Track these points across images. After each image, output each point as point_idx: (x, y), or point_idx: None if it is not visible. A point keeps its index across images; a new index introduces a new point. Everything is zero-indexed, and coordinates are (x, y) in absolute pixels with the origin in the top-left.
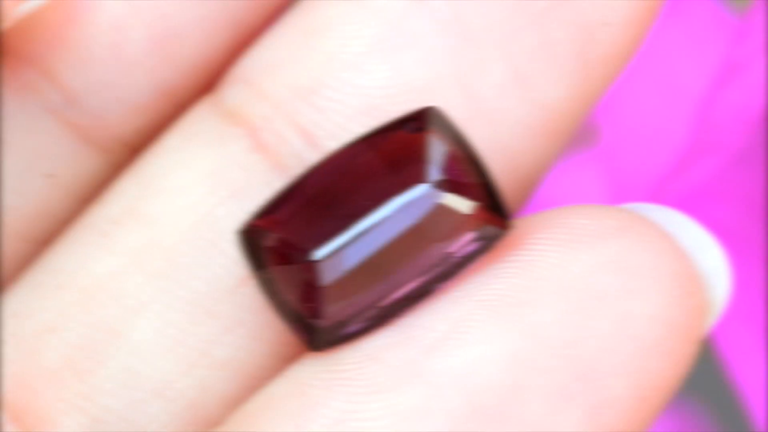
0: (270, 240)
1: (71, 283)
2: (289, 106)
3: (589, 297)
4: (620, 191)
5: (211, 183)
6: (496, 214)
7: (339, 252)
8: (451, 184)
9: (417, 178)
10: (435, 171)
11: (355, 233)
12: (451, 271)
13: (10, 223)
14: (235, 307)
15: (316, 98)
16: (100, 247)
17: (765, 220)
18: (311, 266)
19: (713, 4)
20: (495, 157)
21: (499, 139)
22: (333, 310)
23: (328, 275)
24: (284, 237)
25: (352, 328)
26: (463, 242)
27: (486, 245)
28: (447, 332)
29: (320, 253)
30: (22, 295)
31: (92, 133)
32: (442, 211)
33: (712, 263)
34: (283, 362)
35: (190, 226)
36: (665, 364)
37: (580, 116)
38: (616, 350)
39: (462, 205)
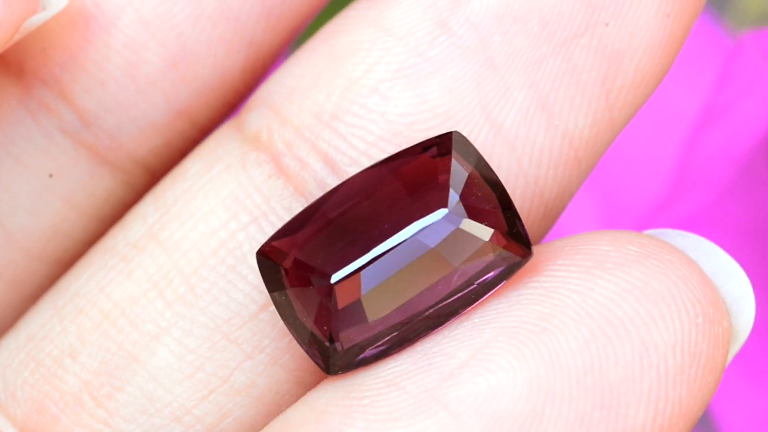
0: (287, 261)
1: (91, 308)
2: (311, 131)
3: (611, 324)
4: (613, 220)
5: (232, 208)
6: (516, 240)
7: (355, 275)
8: (471, 210)
9: (437, 203)
10: (455, 196)
11: (372, 257)
12: (470, 297)
13: (26, 243)
14: (254, 333)
15: (338, 124)
16: (120, 272)
17: (761, 249)
18: (327, 289)
19: (704, 36)
20: (518, 184)
21: (522, 167)
22: (349, 334)
23: (344, 299)
24: (301, 259)
25: (369, 353)
26: (483, 268)
27: (506, 272)
28: (467, 359)
29: (337, 276)
30: (41, 318)
31: (107, 153)
32: (462, 236)
33: (737, 290)
34: (303, 388)
35: (211, 252)
36: (688, 394)
37: (604, 144)
38: (639, 378)
39: (481, 231)
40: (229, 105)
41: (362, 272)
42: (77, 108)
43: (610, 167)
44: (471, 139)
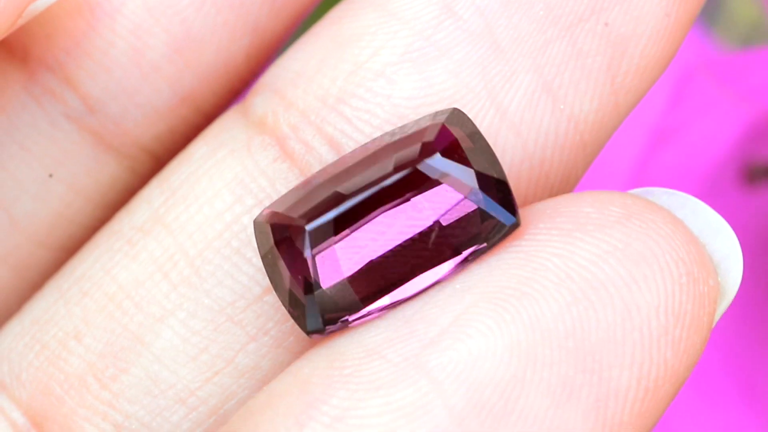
0: (271, 217)
1: (96, 291)
2: (317, 115)
3: (592, 287)
4: None
5: (237, 192)
6: (504, 207)
7: (329, 223)
8: (454, 168)
9: (419, 156)
10: (438, 152)
11: (348, 206)
12: (451, 250)
13: (30, 229)
14: (259, 315)
15: (344, 108)
16: (125, 255)
17: None
18: (301, 236)
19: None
20: (523, 168)
21: (528, 151)
22: (324, 286)
23: (318, 245)
24: (284, 213)
25: (344, 304)
26: (471, 238)
27: (493, 239)
28: (448, 326)
29: (312, 224)
30: (46, 302)
31: (112, 139)
32: (440, 190)
33: (725, 248)
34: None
35: (215, 235)
36: (673, 355)
37: (609, 129)
38: (621, 341)
39: (464, 189)
40: (234, 91)
41: (336, 219)
42: (82, 94)
43: None
44: (476, 122)
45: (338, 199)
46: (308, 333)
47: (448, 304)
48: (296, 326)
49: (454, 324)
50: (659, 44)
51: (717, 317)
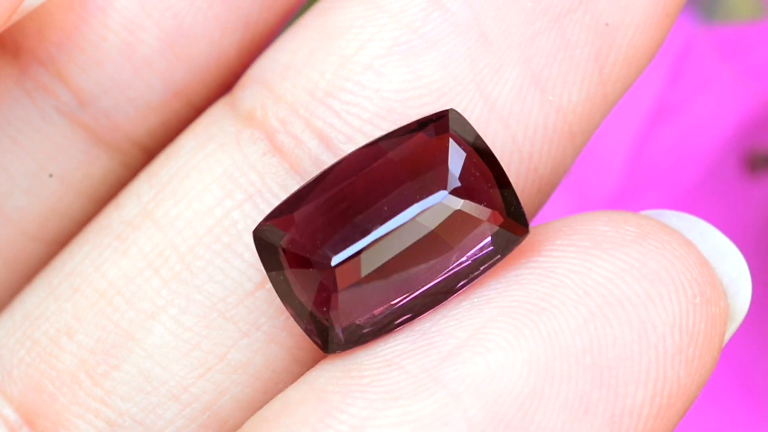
0: (285, 241)
1: (86, 287)
2: (306, 108)
3: (609, 304)
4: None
5: (227, 186)
6: (513, 220)
7: (356, 258)
8: (469, 191)
9: (437, 184)
10: (455, 177)
11: (372, 239)
12: (468, 276)
13: (22, 224)
14: (251, 311)
15: (333, 101)
16: (115, 250)
17: None
18: (328, 271)
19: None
20: (512, 160)
21: (517, 143)
22: (348, 315)
23: (345, 281)
24: (300, 240)
25: (367, 330)
26: (481, 248)
27: (504, 250)
28: (466, 339)
29: (337, 258)
30: (37, 298)
31: (104, 133)
32: (461, 217)
33: (734, 271)
34: (299, 366)
35: (206, 230)
36: (686, 373)
37: (597, 119)
38: (638, 358)
39: (480, 211)
40: (226, 85)
41: (362, 255)
42: (74, 88)
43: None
44: (466, 115)
45: (358, 225)
46: (327, 352)
47: (466, 318)
48: (289, 321)
49: (472, 337)
50: (647, 33)
51: (726, 339)
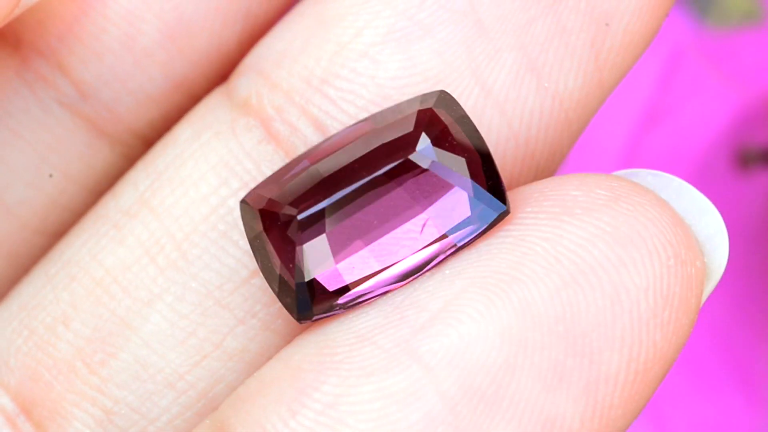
0: (262, 204)
1: (83, 275)
2: (301, 96)
3: (581, 271)
4: None
5: (223, 174)
6: (494, 195)
7: (320, 212)
8: (442, 156)
9: (408, 145)
10: (426, 140)
11: (340, 196)
12: (444, 250)
13: (24, 216)
14: (247, 298)
15: (328, 88)
16: (112, 239)
17: None
18: (292, 225)
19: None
20: (509, 146)
21: (513, 129)
22: (315, 273)
23: (308, 235)
24: (273, 199)
25: (340, 300)
26: (458, 223)
27: (482, 227)
28: (438, 311)
29: (303, 213)
30: (34, 287)
31: (105, 125)
32: (431, 180)
33: (710, 228)
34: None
35: (202, 218)
36: (662, 337)
37: (594, 106)
38: (611, 324)
39: (451, 176)
40: (226, 77)
41: (327, 208)
42: (74, 80)
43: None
44: (461, 101)
45: (328, 186)
46: (298, 319)
47: (438, 290)
48: (284, 309)
49: (444, 309)
50: (642, 20)
51: (704, 298)
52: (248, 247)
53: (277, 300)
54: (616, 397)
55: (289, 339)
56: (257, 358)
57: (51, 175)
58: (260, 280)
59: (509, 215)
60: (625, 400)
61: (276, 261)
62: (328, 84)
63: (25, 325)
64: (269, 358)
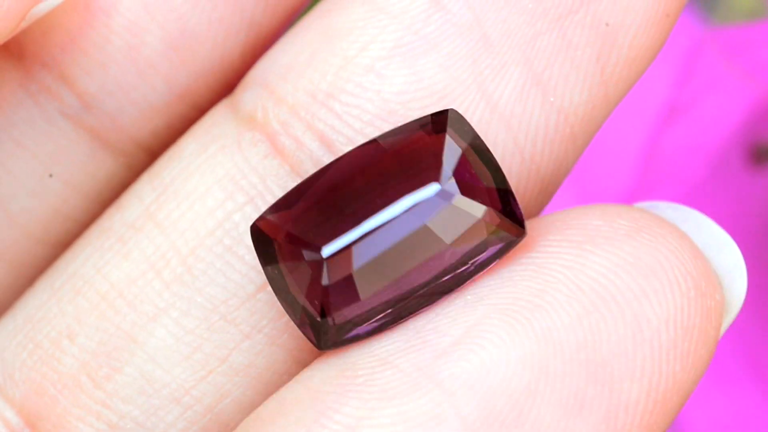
0: (280, 235)
1: (88, 289)
2: (307, 110)
3: (602, 299)
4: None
5: (228, 188)
6: (510, 219)
7: (347, 250)
8: (464, 187)
9: (429, 178)
10: (448, 172)
11: (363, 232)
12: (463, 276)
13: (26, 226)
14: (252, 313)
15: (334, 103)
16: (117, 253)
17: None
18: (319, 263)
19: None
20: (514, 161)
21: (518, 144)
22: (340, 309)
23: (336, 273)
24: (293, 232)
25: (361, 329)
26: (475, 247)
27: (500, 251)
28: (460, 337)
29: (328, 250)
30: (38, 300)
31: (108, 136)
32: (454, 213)
33: (729, 262)
34: (301, 368)
35: (207, 232)
36: (681, 368)
37: (599, 120)
38: (632, 354)
39: (474, 208)
40: (230, 87)
41: (354, 247)
42: (78, 91)
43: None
44: (467, 116)
45: (349, 219)
46: (320, 348)
47: (460, 315)
48: (291, 323)
49: (466, 335)
50: (648, 34)
51: (722, 331)
52: (254, 261)
53: (283, 314)
54: (635, 427)
55: (295, 354)
56: (264, 373)
57: (51, 175)
58: (266, 295)
59: (530, 240)
60: (644, 430)
61: (298, 293)
62: (334, 98)
63: (30, 339)
64: (276, 372)
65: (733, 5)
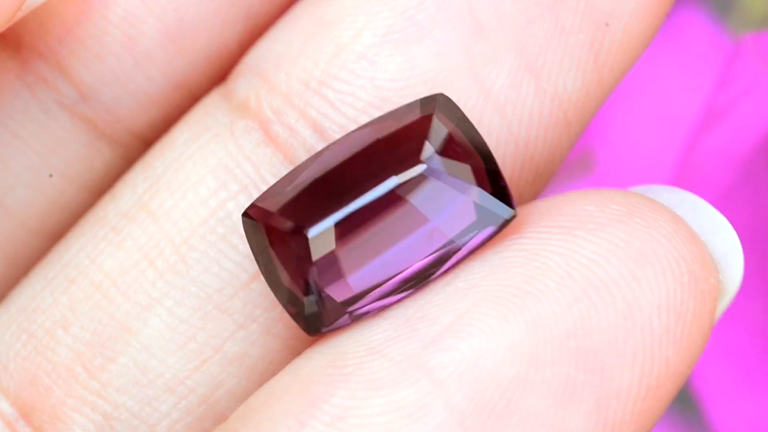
0: (269, 222)
1: (82, 279)
2: (300, 98)
3: (593, 286)
4: None
5: (222, 177)
6: (499, 199)
7: (331, 229)
8: (450, 166)
9: (414, 157)
10: (432, 150)
11: (349, 211)
12: (451, 257)
13: (24, 218)
14: (246, 302)
15: (327, 90)
16: (110, 242)
17: (759, 252)
18: (303, 242)
19: (706, 38)
20: (508, 149)
21: (512, 131)
22: (325, 287)
23: (320, 251)
24: (281, 218)
25: (349, 310)
26: (465, 228)
27: (490, 231)
28: (449, 325)
29: (312, 230)
30: (32, 290)
31: (105, 127)
32: (439, 191)
33: (725, 245)
34: (295, 358)
35: (201, 221)
36: (675, 353)
37: (593, 107)
38: (623, 340)
39: (461, 186)
40: (227, 77)
41: (339, 226)
42: (75, 82)
43: (612, 166)
44: (460, 103)
45: (334, 200)
46: (308, 332)
47: (450, 303)
48: (285, 313)
49: (455, 323)
50: (642, 20)
51: (718, 315)
52: (248, 251)
53: (277, 304)
54: (628, 413)
55: (290, 343)
56: (258, 363)
57: (51, 175)
58: (260, 285)
59: (521, 226)
60: (637, 416)
61: (285, 276)
62: (327, 86)
63: (24, 329)
64: (270, 362)
65: (747, 10)
